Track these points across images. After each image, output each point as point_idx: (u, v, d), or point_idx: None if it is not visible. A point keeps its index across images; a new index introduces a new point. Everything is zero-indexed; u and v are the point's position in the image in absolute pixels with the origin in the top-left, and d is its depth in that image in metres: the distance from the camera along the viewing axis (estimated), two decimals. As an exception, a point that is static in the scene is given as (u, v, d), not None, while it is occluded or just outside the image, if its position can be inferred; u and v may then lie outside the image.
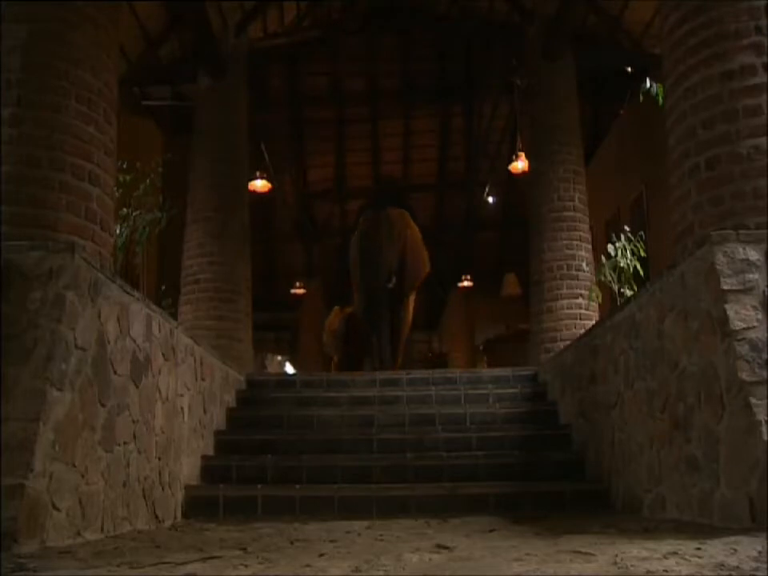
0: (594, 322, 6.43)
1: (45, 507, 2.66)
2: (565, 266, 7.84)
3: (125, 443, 3.43)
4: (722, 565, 1.94)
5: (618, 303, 4.92)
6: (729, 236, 3.03)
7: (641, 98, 6.13)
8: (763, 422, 2.60)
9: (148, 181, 5.98)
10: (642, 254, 5.62)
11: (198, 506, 4.28)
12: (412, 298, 10.09)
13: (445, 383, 6.06)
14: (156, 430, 3.86)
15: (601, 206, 9.93)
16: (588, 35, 8.92)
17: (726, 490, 2.78)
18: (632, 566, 1.99)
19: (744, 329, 2.82)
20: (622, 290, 5.54)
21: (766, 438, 2.57)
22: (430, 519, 3.79)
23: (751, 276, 2.93)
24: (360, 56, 12.19)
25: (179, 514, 4.20)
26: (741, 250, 2.98)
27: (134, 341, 3.58)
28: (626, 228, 5.91)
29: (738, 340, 2.79)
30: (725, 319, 2.85)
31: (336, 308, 12.58)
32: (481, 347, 14.95)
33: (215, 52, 8.22)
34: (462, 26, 10.64)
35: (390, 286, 9.07)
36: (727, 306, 2.87)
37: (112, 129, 4.14)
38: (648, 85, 5.72)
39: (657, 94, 5.49)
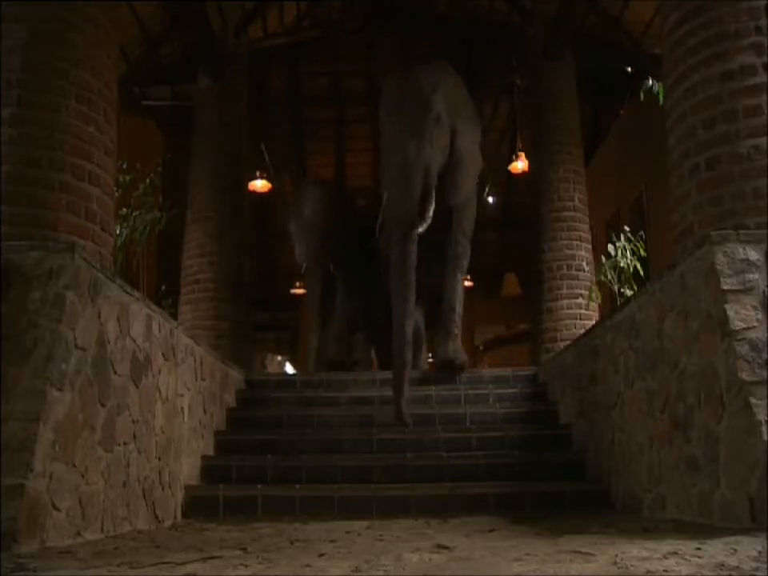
0: (594, 321, 6.43)
1: (45, 507, 2.66)
2: (565, 266, 7.84)
3: (125, 443, 3.43)
4: (722, 565, 1.94)
5: (618, 303, 4.93)
6: (729, 236, 3.03)
7: (641, 96, 6.15)
8: (763, 422, 2.60)
9: (148, 181, 5.99)
10: (642, 253, 5.63)
11: (198, 506, 4.28)
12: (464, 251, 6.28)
13: (445, 383, 6.05)
14: (156, 429, 3.86)
15: (601, 205, 9.93)
16: (588, 35, 8.92)
17: (726, 490, 2.78)
18: (632, 566, 1.99)
19: (744, 329, 2.82)
20: (621, 290, 5.55)
21: (766, 437, 2.57)
22: (430, 519, 3.79)
23: (751, 276, 2.93)
24: (360, 56, 12.18)
25: (179, 514, 4.20)
26: (741, 250, 2.98)
27: (134, 341, 3.58)
28: (626, 228, 5.92)
29: (738, 340, 2.79)
30: (725, 319, 2.85)
31: None
32: (481, 347, 14.95)
33: (215, 52, 8.22)
34: (462, 26, 10.64)
35: (421, 229, 5.08)
36: (727, 306, 2.87)
37: (112, 129, 4.14)
38: (650, 83, 5.75)
39: (658, 93, 5.50)
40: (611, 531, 2.94)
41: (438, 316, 6.23)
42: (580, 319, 7.66)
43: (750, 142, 3.50)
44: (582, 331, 5.85)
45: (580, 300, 7.69)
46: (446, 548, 2.58)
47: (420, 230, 5.11)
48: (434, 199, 5.19)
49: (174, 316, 7.06)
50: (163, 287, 7.19)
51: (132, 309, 3.56)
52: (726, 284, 2.92)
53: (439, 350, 6.16)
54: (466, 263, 6.27)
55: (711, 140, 3.61)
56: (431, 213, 5.18)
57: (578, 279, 7.78)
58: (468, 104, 6.06)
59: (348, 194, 8.07)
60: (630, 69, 9.45)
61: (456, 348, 6.04)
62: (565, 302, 7.77)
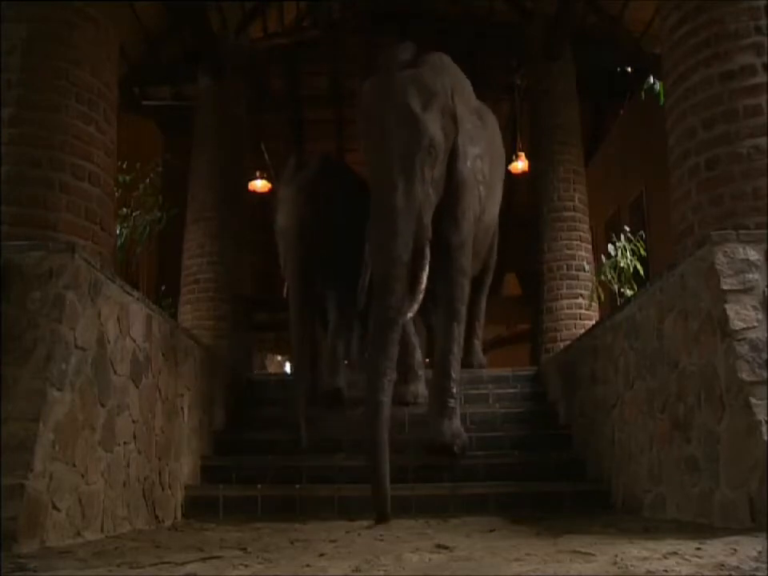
0: (594, 322, 6.43)
1: (45, 507, 2.66)
2: (565, 266, 7.84)
3: (125, 443, 3.43)
4: (722, 565, 1.94)
5: (618, 303, 4.93)
6: (729, 236, 3.03)
7: (643, 94, 6.15)
8: (763, 422, 2.60)
9: (147, 181, 5.99)
10: (642, 253, 5.63)
11: (198, 506, 4.28)
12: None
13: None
14: (156, 430, 3.86)
15: (601, 205, 9.93)
16: (588, 35, 8.91)
17: (726, 490, 2.78)
18: (632, 566, 1.99)
19: (744, 329, 2.82)
20: (621, 290, 5.56)
21: (766, 437, 2.57)
22: (430, 519, 3.79)
23: (751, 276, 2.93)
24: (360, 56, 12.17)
25: (179, 514, 4.20)
26: (741, 249, 2.98)
27: (134, 341, 3.58)
28: (626, 228, 5.92)
29: (738, 340, 2.79)
30: (725, 319, 2.85)
31: None
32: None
33: (215, 52, 8.23)
34: (462, 26, 10.64)
35: (410, 314, 4.04)
36: (727, 306, 2.87)
37: (112, 129, 4.14)
38: (651, 81, 5.75)
39: (659, 93, 5.51)
40: (611, 531, 2.94)
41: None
42: (580, 319, 7.66)
43: (750, 142, 3.50)
44: (582, 331, 5.85)
45: (580, 300, 7.69)
46: (446, 548, 2.58)
47: (412, 312, 3.99)
48: (427, 262, 4.04)
49: (174, 316, 7.07)
50: (163, 287, 7.20)
51: (132, 309, 3.56)
52: (726, 284, 2.92)
53: (431, 428, 4.52)
54: (462, 307, 4.61)
55: (711, 140, 3.61)
56: (423, 285, 4.00)
57: (578, 279, 7.78)
58: (471, 105, 4.71)
59: (348, 171, 5.82)
60: (629, 68, 9.45)
61: (453, 428, 4.49)
62: (565, 301, 7.77)
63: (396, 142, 3.97)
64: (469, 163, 4.49)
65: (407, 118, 4.00)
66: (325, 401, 5.47)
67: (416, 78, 4.16)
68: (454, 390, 4.51)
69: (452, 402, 4.51)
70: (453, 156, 4.34)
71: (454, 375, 4.51)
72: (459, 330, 4.59)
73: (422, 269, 3.99)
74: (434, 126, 4.07)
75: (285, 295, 5.36)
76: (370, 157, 4.15)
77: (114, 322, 3.35)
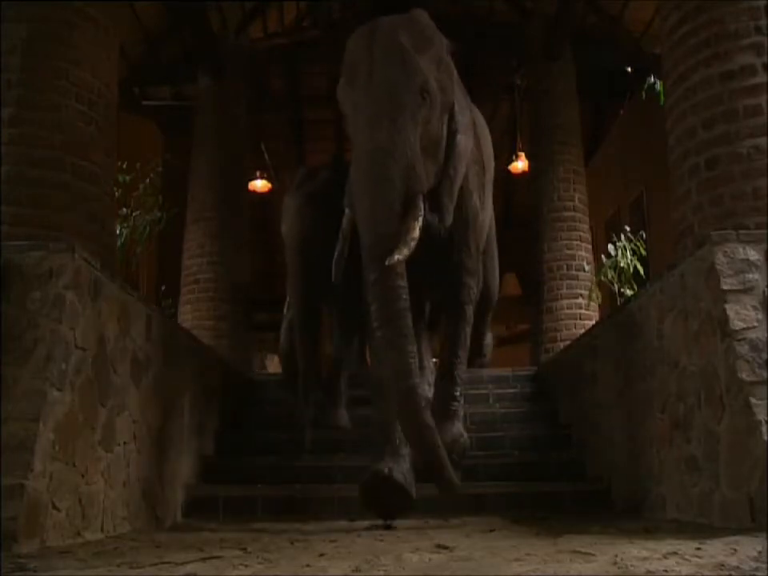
0: (594, 321, 6.43)
1: (45, 507, 2.66)
2: (565, 266, 7.84)
3: (125, 443, 3.43)
4: (722, 565, 1.94)
5: (618, 303, 4.93)
6: (729, 236, 3.03)
7: (644, 94, 6.15)
8: (763, 422, 2.60)
9: (147, 181, 6.00)
10: (643, 253, 5.63)
11: (198, 506, 4.28)
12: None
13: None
14: (156, 430, 3.86)
15: (601, 206, 9.93)
16: (588, 35, 8.91)
17: (726, 489, 2.78)
18: (632, 566, 1.99)
19: (744, 329, 2.82)
20: (622, 289, 5.56)
21: (766, 437, 2.57)
22: (430, 519, 3.79)
23: (751, 276, 2.93)
24: (360, 56, 12.15)
25: (179, 514, 4.20)
26: (741, 249, 2.98)
27: (134, 341, 3.58)
28: (626, 228, 5.92)
29: (738, 340, 2.80)
30: (725, 319, 2.85)
31: None
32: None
33: (215, 52, 8.23)
34: (462, 26, 10.64)
35: (400, 256, 3.12)
36: (727, 306, 2.87)
37: (112, 129, 4.15)
38: (652, 80, 5.75)
39: (659, 93, 5.52)
40: (611, 531, 2.94)
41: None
42: (580, 319, 7.65)
43: (750, 142, 3.50)
44: (582, 331, 5.85)
45: (580, 300, 7.69)
46: (445, 548, 2.57)
47: (401, 256, 3.15)
48: (422, 211, 3.33)
49: (174, 316, 7.07)
50: (163, 287, 7.20)
51: (132, 309, 3.56)
52: (726, 284, 2.92)
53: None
54: (469, 308, 4.26)
55: (711, 140, 3.61)
56: (417, 232, 3.25)
57: (578, 279, 7.78)
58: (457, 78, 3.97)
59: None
60: (629, 68, 9.46)
61: (454, 430, 4.24)
62: (565, 301, 7.77)
63: (384, 81, 3.37)
64: (466, 135, 3.87)
65: (397, 55, 3.40)
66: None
67: (409, 20, 3.63)
68: (458, 394, 4.31)
69: (455, 406, 4.30)
70: (450, 122, 3.71)
71: (458, 379, 4.30)
72: (466, 333, 4.34)
73: (414, 218, 3.29)
74: (428, 70, 3.45)
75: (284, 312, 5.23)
76: (352, 107, 3.60)
77: (114, 322, 3.35)
